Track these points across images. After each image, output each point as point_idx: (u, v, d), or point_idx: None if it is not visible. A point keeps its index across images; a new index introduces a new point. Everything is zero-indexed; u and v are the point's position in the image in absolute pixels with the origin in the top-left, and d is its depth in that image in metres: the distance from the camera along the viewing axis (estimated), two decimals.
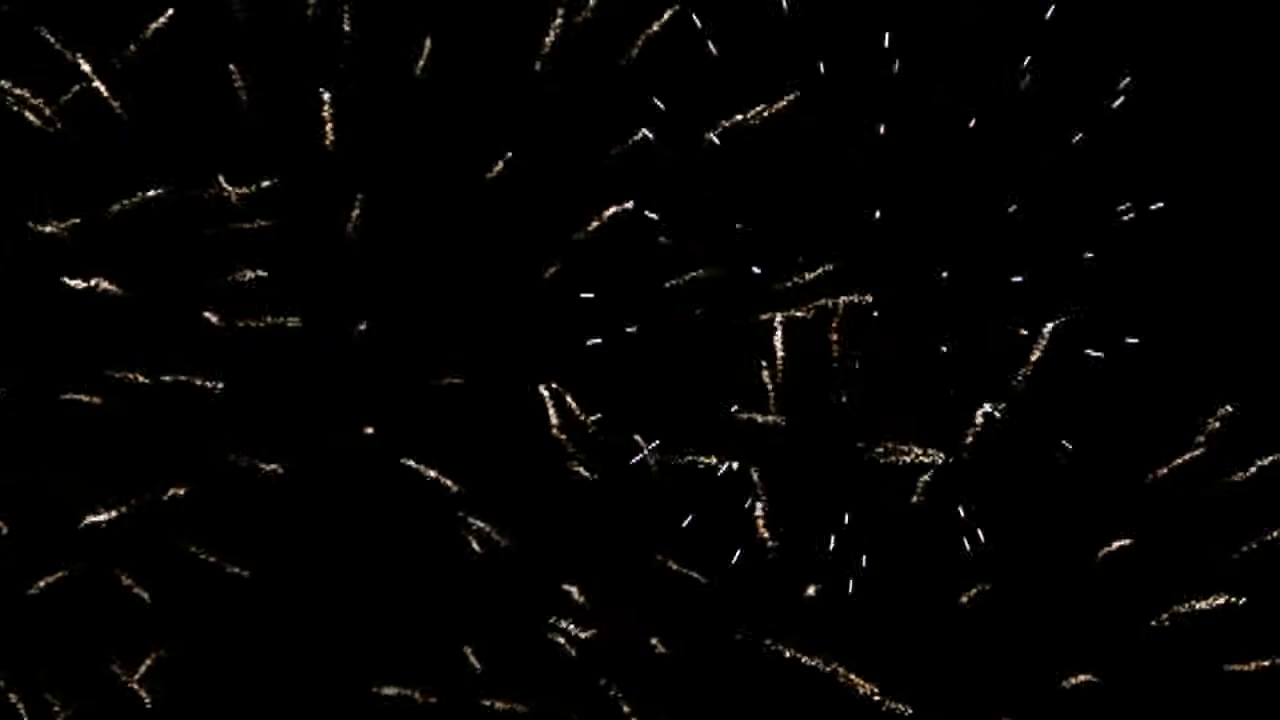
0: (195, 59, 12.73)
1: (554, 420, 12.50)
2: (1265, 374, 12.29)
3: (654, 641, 12.41)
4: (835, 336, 12.36)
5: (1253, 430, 12.08)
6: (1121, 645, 12.41)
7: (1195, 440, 12.17)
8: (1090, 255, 12.48)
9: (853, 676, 12.27)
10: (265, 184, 12.71)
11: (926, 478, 12.34)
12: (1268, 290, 12.39)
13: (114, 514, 12.38)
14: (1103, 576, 12.45)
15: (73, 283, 12.38)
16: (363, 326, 12.86)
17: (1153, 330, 12.43)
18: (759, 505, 12.36)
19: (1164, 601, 12.32)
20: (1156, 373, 12.41)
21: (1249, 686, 12.22)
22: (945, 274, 12.61)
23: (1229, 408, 12.00)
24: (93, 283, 12.37)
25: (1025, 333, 12.39)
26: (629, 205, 12.65)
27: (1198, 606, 12.21)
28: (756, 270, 12.62)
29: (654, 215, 12.73)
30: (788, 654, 12.27)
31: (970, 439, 12.31)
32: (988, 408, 12.23)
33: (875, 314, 12.52)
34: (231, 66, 12.68)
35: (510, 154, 12.75)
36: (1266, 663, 12.15)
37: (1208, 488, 12.26)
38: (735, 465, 12.48)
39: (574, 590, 12.40)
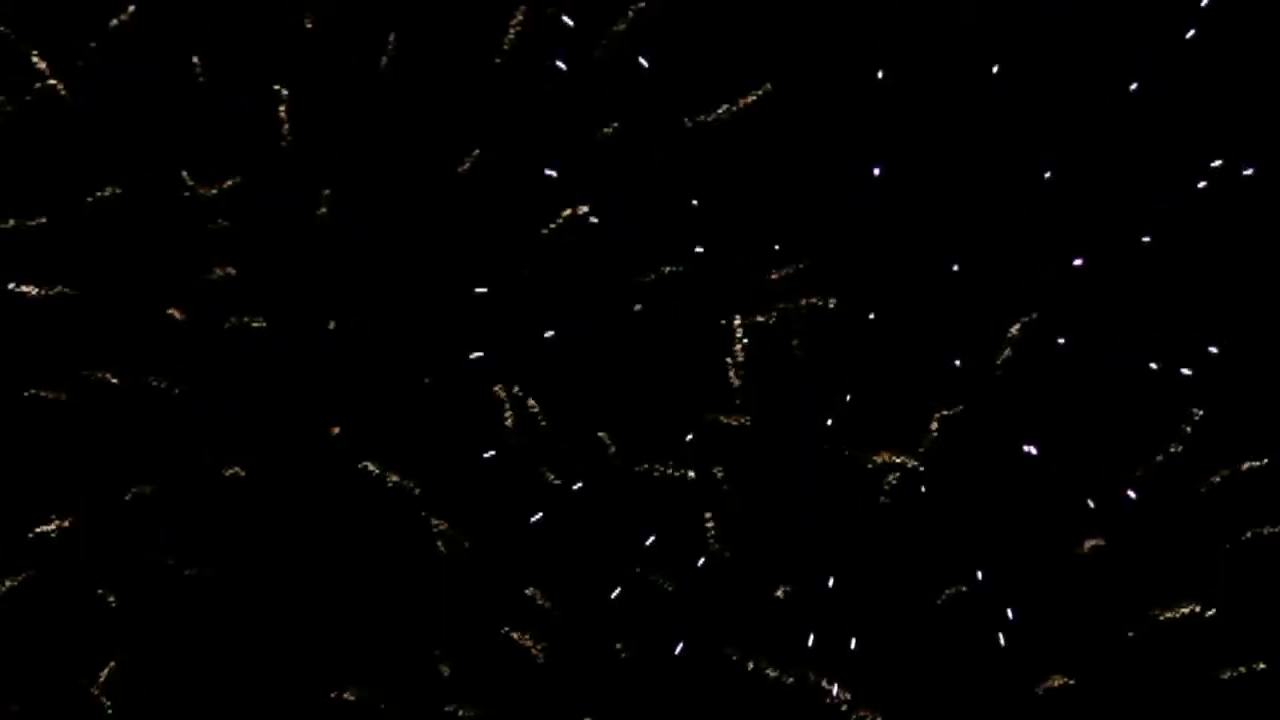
0: (157, 56, 12.61)
1: (518, 422, 12.36)
2: (1237, 377, 12.12)
3: (618, 647, 12.31)
4: (795, 341, 12.25)
5: (1224, 433, 11.94)
6: (1098, 648, 12.25)
7: (1167, 443, 12.03)
8: (1064, 257, 12.35)
9: (824, 683, 12.16)
10: (229, 183, 12.58)
11: (894, 478, 12.20)
12: (1241, 294, 12.18)
13: (69, 520, 12.31)
14: (1077, 579, 12.28)
15: (27, 289, 12.32)
16: (331, 325, 12.73)
17: (1125, 332, 12.26)
18: (708, 512, 12.24)
19: (1139, 603, 12.16)
20: (1128, 375, 12.25)
21: (1227, 690, 12.05)
22: (914, 275, 12.47)
23: (1199, 411, 11.90)
24: (41, 289, 12.31)
25: (993, 332, 12.28)
26: (598, 203, 12.48)
27: (1173, 610, 12.05)
28: (725, 269, 12.47)
29: (622, 213, 12.57)
30: (752, 663, 12.17)
31: (942, 442, 12.17)
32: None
33: (842, 314, 12.39)
34: (195, 60, 12.54)
35: (478, 151, 12.57)
36: (1243, 668, 11.99)
37: (1181, 490, 12.11)
38: (702, 468, 12.36)
39: (537, 595, 12.30)
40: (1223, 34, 12.19)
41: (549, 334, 12.54)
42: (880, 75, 12.32)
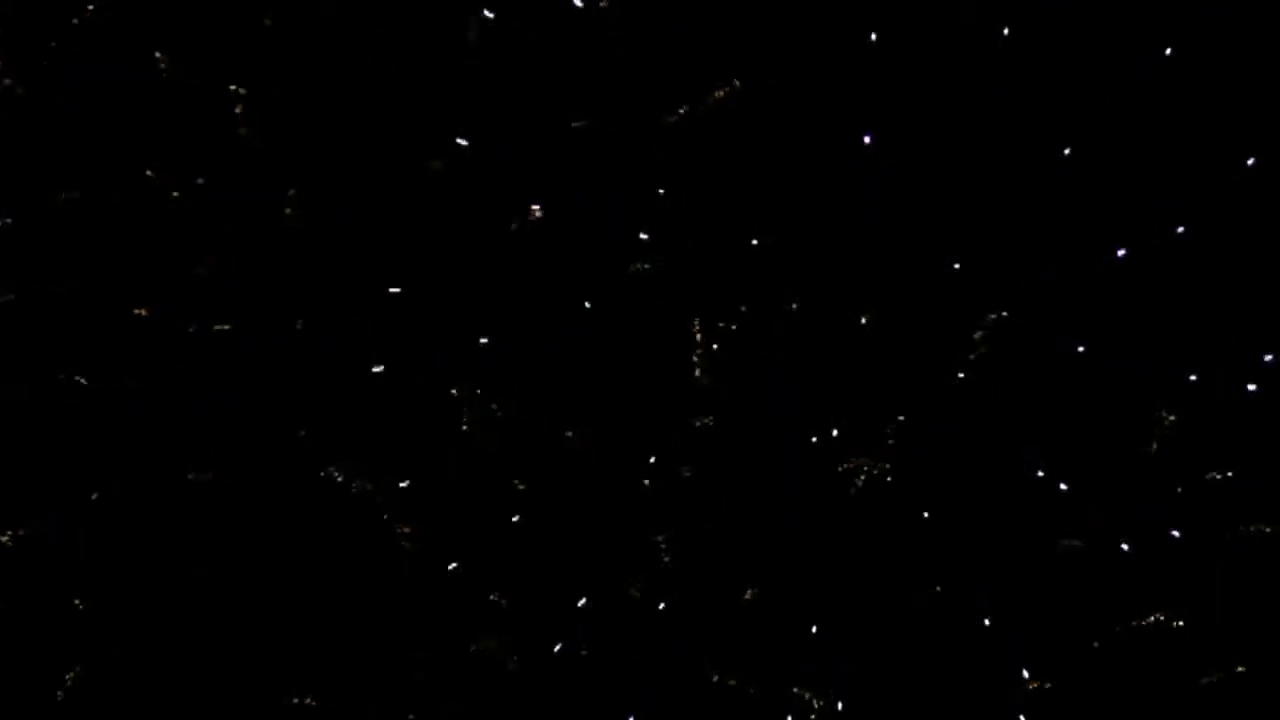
0: (119, 54, 12.50)
1: (484, 427, 12.27)
2: (1214, 381, 11.97)
3: (585, 652, 12.22)
4: (767, 342, 12.14)
5: (1201, 439, 11.84)
6: (1079, 650, 12.14)
7: (1143, 447, 11.93)
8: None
9: (796, 688, 12.07)
10: (196, 182, 12.46)
11: (860, 480, 12.10)
12: (1219, 297, 11.99)
13: (31, 526, 12.28)
14: (1059, 581, 12.15)
15: None
16: (299, 325, 12.63)
17: (1100, 335, 12.11)
18: (679, 516, 12.17)
19: (1119, 605, 12.06)
20: (1105, 378, 12.10)
21: (1207, 694, 11.97)
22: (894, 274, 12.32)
23: (1172, 416, 11.75)
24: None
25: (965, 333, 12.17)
26: (568, 201, 12.36)
27: (1153, 613, 11.97)
28: (693, 269, 12.35)
29: (596, 209, 12.44)
30: (717, 675, 12.10)
31: (916, 445, 12.07)
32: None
33: (815, 315, 12.26)
34: (159, 57, 12.42)
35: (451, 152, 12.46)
36: (1224, 672, 11.91)
37: (1161, 493, 12.01)
38: (670, 470, 12.26)
39: (504, 601, 12.22)
40: (1224, 34, 11.97)
41: (483, 341, 12.46)
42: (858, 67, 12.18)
